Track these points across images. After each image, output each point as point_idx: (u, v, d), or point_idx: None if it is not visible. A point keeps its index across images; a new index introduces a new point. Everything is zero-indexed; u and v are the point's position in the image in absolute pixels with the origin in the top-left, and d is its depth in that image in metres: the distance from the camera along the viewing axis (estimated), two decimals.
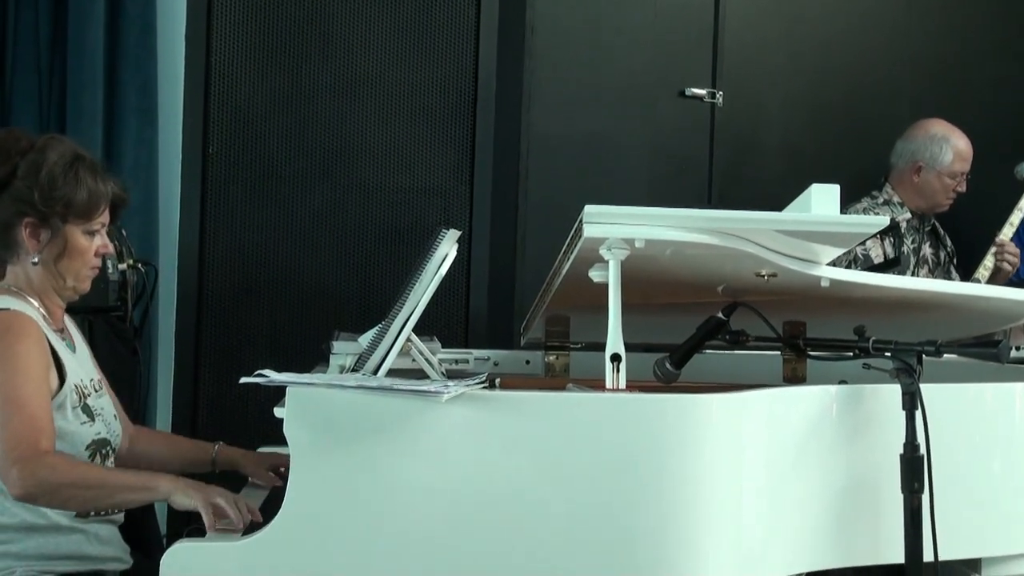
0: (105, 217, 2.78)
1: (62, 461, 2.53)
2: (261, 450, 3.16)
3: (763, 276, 2.67)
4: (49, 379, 2.63)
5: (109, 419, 2.81)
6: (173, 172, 4.33)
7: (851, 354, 2.68)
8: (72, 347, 2.81)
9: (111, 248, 2.84)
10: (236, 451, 3.04)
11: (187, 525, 2.65)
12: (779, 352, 3.17)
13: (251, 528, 2.39)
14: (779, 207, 2.78)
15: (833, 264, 2.70)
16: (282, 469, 2.92)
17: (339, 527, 2.27)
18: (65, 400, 2.66)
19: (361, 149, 4.14)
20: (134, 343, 3.86)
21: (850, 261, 4.44)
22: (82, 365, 2.81)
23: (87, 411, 2.71)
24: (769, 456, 2.43)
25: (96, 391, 2.80)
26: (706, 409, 2.35)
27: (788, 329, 3.02)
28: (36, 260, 2.72)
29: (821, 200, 2.55)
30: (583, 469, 2.28)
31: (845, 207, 4.37)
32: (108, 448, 2.77)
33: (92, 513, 2.67)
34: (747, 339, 2.84)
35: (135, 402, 3.77)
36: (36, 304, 2.73)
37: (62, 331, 2.80)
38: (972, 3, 5.19)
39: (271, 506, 2.49)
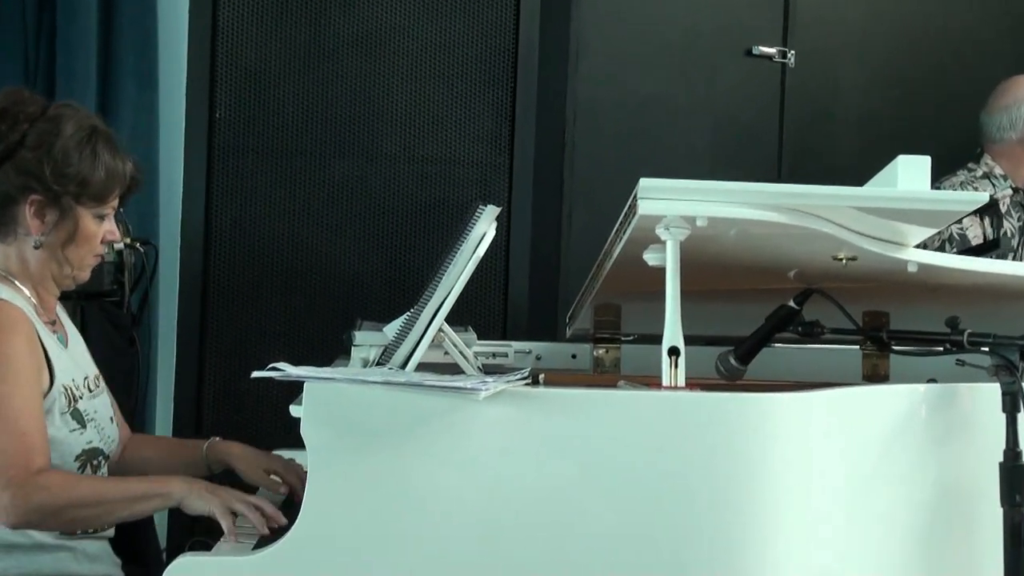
0: (117, 200, 2.77)
1: (58, 480, 2.54)
2: (274, 454, 3.17)
3: (841, 260, 2.66)
4: (41, 382, 2.63)
5: (104, 423, 2.81)
6: (175, 141, 4.35)
7: (942, 348, 2.68)
8: (64, 341, 2.81)
9: (118, 235, 2.83)
10: (233, 445, 2.97)
11: (190, 537, 2.66)
12: (858, 346, 3.16)
13: (266, 538, 2.40)
14: (858, 181, 2.77)
15: (923, 246, 2.68)
16: (274, 477, 2.90)
17: (362, 540, 2.28)
18: (53, 405, 2.66)
19: (387, 115, 4.14)
20: (131, 332, 3.88)
21: (944, 242, 4.41)
22: (75, 362, 2.81)
23: (77, 417, 2.71)
24: (847, 464, 2.42)
25: (90, 391, 2.80)
26: (776, 410, 2.34)
27: (869, 320, 3.01)
28: (39, 243, 2.71)
29: (909, 173, 2.54)
30: (636, 476, 2.29)
31: (936, 182, 4.35)
32: (100, 458, 2.77)
33: (79, 530, 2.68)
34: (822, 331, 2.83)
35: (132, 399, 3.78)
36: (28, 292, 2.72)
37: (53, 323, 2.80)
38: None
39: (288, 513, 2.50)
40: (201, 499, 2.48)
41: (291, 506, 2.57)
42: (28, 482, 2.48)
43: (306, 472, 2.80)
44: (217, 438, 3.01)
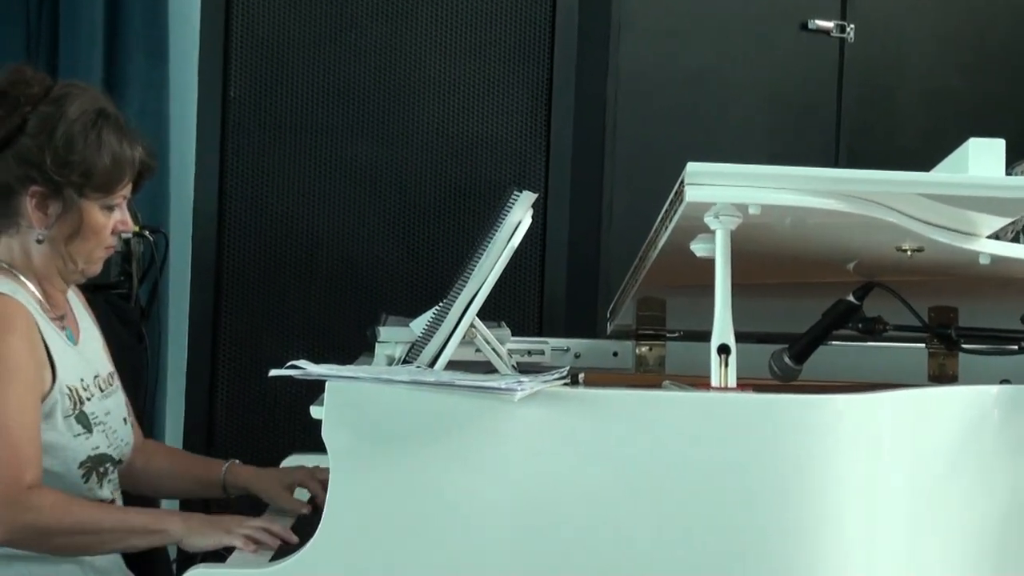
0: (127, 189, 2.75)
1: (51, 501, 2.52)
2: (291, 459, 3.17)
3: (905, 251, 2.65)
4: (40, 383, 2.62)
5: (116, 425, 2.80)
6: (187, 120, 4.36)
7: (1016, 347, 2.66)
8: (73, 338, 2.80)
9: (131, 224, 2.81)
10: (248, 470, 2.98)
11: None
12: (924, 344, 3.16)
13: (283, 551, 2.41)
14: (925, 166, 2.76)
15: (995, 237, 2.67)
16: (300, 492, 2.93)
17: (387, 550, 2.28)
18: (55, 407, 2.65)
19: (414, 91, 4.15)
20: (139, 327, 3.89)
21: (1018, 232, 4.40)
22: (86, 360, 2.80)
23: (83, 420, 2.70)
24: (913, 472, 2.41)
25: (102, 390, 2.80)
26: (834, 413, 2.33)
27: (936, 316, 3.01)
28: (42, 237, 2.70)
29: (981, 157, 2.53)
30: (682, 484, 2.28)
31: (1008, 167, 4.33)
32: (108, 464, 2.77)
33: (69, 556, 2.67)
34: (884, 328, 2.82)
35: (141, 398, 3.79)
36: (31, 286, 2.71)
37: (62, 318, 2.79)
38: None
39: (307, 524, 2.50)
40: (202, 536, 2.48)
41: (312, 518, 2.58)
42: (18, 500, 2.48)
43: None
44: (237, 461, 3.02)
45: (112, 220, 2.74)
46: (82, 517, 2.53)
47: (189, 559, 2.49)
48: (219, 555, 2.48)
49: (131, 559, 2.82)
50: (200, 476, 3.00)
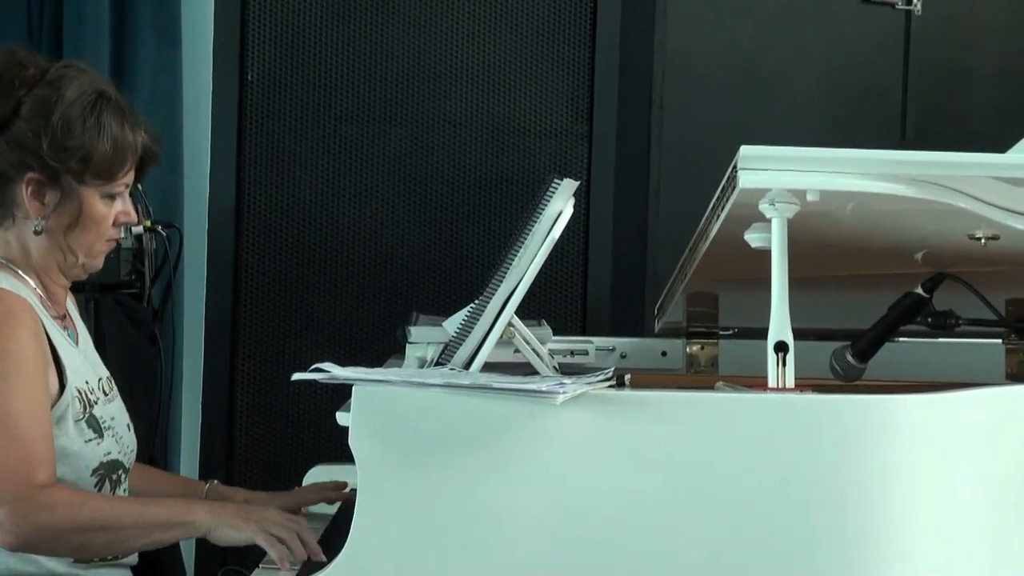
0: (129, 176, 2.76)
1: (65, 497, 2.54)
2: (316, 470, 3.18)
3: (979, 239, 2.64)
4: (48, 383, 2.63)
5: (121, 431, 2.81)
6: (201, 106, 4.37)
7: None
8: (74, 338, 2.82)
9: (135, 216, 2.82)
10: (237, 493, 2.98)
11: (221, 565, 2.68)
12: (1001, 340, 3.15)
13: (309, 568, 2.42)
14: (999, 148, 2.75)
15: None
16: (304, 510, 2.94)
17: (419, 566, 2.29)
18: (66, 411, 2.66)
19: (446, 75, 4.15)
20: (153, 328, 3.91)
21: None
22: (88, 362, 2.82)
23: (94, 424, 2.71)
24: (992, 478, 2.39)
25: (105, 394, 2.81)
26: (901, 415, 2.33)
27: (1014, 309, 3.00)
28: (40, 228, 2.70)
29: None
30: (737, 492, 2.28)
31: None
32: (120, 471, 2.78)
33: (91, 557, 2.68)
34: (956, 323, 2.82)
35: (155, 405, 3.81)
36: (32, 283, 2.73)
37: (63, 318, 2.81)
38: None
39: (334, 537, 2.51)
40: (232, 528, 2.48)
41: (340, 531, 2.59)
42: (30, 498, 2.49)
43: (344, 484, 2.86)
44: (216, 481, 3.03)
45: (114, 210, 2.75)
46: (98, 513, 2.54)
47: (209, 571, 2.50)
48: (243, 550, 2.49)
49: (144, 575, 2.84)
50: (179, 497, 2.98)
